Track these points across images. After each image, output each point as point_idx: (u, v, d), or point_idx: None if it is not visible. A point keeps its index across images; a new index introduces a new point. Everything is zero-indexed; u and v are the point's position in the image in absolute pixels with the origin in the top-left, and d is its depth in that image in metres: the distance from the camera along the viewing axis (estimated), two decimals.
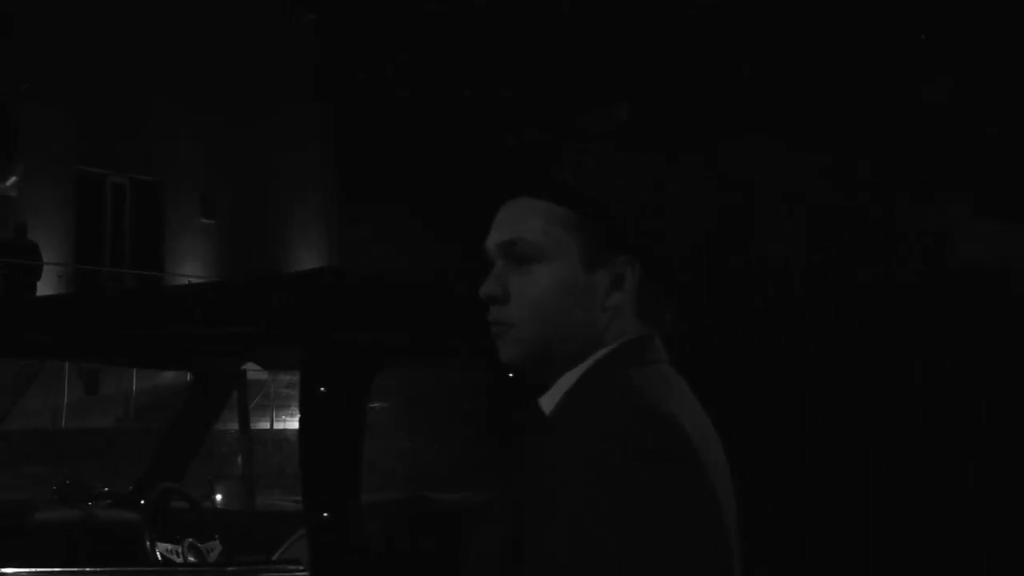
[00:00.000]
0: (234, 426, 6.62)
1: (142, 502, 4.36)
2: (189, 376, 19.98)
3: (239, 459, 5.50)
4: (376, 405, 18.01)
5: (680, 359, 1.83)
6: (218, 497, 4.97)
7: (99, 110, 21.30)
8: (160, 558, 4.09)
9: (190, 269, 22.28)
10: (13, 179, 20.44)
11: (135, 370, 19.64)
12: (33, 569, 3.56)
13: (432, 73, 23.45)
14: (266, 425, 17.89)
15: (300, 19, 23.77)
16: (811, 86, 26.55)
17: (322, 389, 3.08)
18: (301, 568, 3.28)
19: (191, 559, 4.19)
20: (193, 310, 3.47)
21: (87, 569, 3.67)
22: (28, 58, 20.60)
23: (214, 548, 4.37)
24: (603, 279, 1.78)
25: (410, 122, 22.33)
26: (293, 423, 18.56)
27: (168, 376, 20.33)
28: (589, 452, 1.62)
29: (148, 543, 4.10)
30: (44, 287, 20.14)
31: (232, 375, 4.86)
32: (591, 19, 25.30)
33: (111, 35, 21.28)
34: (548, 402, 1.80)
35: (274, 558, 3.81)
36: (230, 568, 3.97)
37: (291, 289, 3.36)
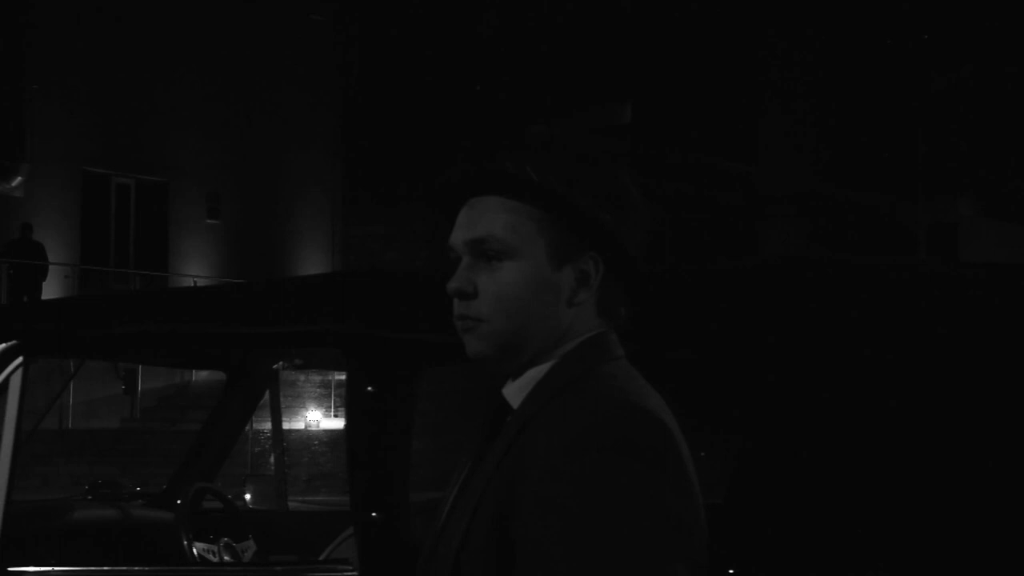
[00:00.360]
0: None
1: (178, 502, 4.35)
2: (194, 376, 19.93)
3: (271, 458, 5.46)
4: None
5: (635, 355, 1.86)
6: (247, 496, 4.96)
7: (104, 111, 21.30)
8: (198, 558, 4.09)
9: (195, 269, 22.27)
10: (19, 179, 20.45)
11: (140, 371, 19.65)
12: (73, 568, 3.55)
13: (443, 68, 23.46)
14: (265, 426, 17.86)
15: (307, 18, 23.75)
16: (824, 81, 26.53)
17: (369, 388, 3.04)
18: (350, 568, 3.23)
19: (227, 558, 4.19)
20: (241, 309, 3.46)
21: (128, 568, 3.66)
22: (35, 59, 20.60)
23: (248, 548, 4.37)
24: (569, 276, 1.81)
25: (419, 119, 22.33)
26: (295, 423, 18.56)
27: (172, 377, 20.33)
28: (577, 447, 1.64)
29: (186, 543, 4.09)
30: (50, 287, 20.15)
31: (265, 374, 4.85)
32: (596, 17, 25.29)
33: (117, 37, 21.28)
34: (515, 395, 1.82)
35: (321, 558, 3.80)
36: (278, 568, 3.96)
37: (338, 288, 3.35)
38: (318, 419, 18.56)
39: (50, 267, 20.10)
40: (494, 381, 1.88)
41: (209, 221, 22.81)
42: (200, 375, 20.53)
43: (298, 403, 18.98)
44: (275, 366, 4.81)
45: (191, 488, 4.41)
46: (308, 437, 18.06)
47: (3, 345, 3.53)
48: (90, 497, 4.80)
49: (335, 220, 24.15)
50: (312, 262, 23.94)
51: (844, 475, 2.66)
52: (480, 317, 1.80)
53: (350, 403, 3.16)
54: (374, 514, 2.98)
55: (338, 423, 18.66)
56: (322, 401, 18.80)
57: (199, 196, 22.67)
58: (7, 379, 3.53)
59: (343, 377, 14.35)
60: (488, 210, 1.82)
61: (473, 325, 1.81)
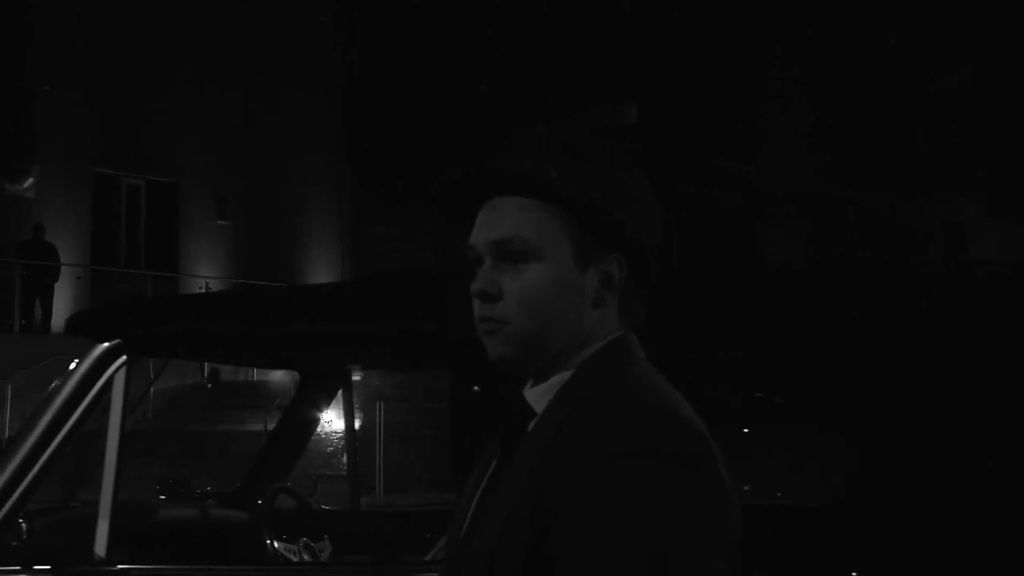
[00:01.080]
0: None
1: (258, 502, 4.37)
2: (206, 377, 19.92)
3: (343, 458, 5.48)
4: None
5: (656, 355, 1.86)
6: (317, 496, 4.99)
7: (114, 112, 21.32)
8: (280, 557, 4.11)
9: (205, 270, 22.29)
10: (30, 181, 20.47)
11: (152, 372, 19.63)
12: (182, 566, 3.58)
13: (448, 68, 23.49)
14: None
15: (315, 18, 23.78)
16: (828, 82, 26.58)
17: (475, 388, 3.07)
18: None
19: (307, 558, 4.21)
20: (346, 309, 3.49)
21: (217, 567, 3.69)
22: (45, 61, 20.61)
23: (325, 548, 4.40)
24: (593, 278, 1.80)
25: (424, 119, 22.37)
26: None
27: (184, 378, 20.36)
28: (613, 452, 1.63)
29: (268, 542, 4.12)
30: (62, 288, 20.18)
31: (339, 374, 4.89)
32: (597, 17, 25.34)
33: (126, 39, 21.30)
34: (538, 399, 1.80)
35: (427, 558, 3.82)
36: (383, 568, 3.95)
37: (440, 289, 3.37)
38: (331, 419, 18.57)
39: (62, 268, 20.13)
40: (513, 384, 1.86)
41: (219, 222, 22.83)
42: (213, 375, 20.57)
43: (285, 403, 19.00)
44: (350, 366, 4.84)
45: (269, 488, 4.43)
46: (322, 438, 18.07)
47: (106, 344, 3.54)
48: (163, 497, 4.82)
49: (343, 220, 24.17)
50: (321, 262, 23.98)
51: (966, 477, 2.69)
52: (505, 319, 1.78)
53: (456, 404, 3.16)
54: None
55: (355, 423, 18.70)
56: (335, 403, 18.79)
57: (208, 197, 22.71)
58: (111, 377, 3.54)
59: (357, 378, 14.31)
60: (512, 210, 1.80)
61: (497, 327, 1.79)
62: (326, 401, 4.95)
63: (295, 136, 23.44)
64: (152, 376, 12.65)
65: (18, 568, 3.35)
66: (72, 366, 3.54)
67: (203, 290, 21.55)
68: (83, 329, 3.67)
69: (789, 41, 26.78)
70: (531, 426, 1.79)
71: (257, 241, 23.06)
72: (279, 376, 21.54)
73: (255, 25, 22.90)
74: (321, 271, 23.89)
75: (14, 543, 3.50)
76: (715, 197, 25.79)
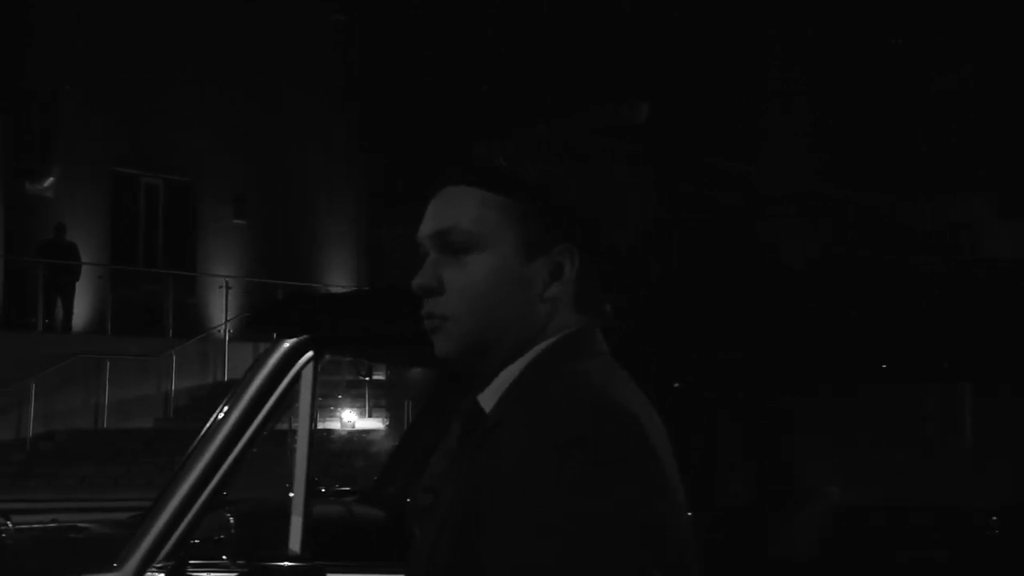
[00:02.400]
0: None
1: (407, 500, 4.38)
2: (227, 376, 19.95)
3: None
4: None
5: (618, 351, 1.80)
6: None
7: (133, 112, 21.43)
8: None
9: (222, 269, 22.42)
10: (50, 180, 20.58)
11: (174, 370, 19.81)
12: (357, 563, 3.61)
13: (448, 69, 23.62)
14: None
15: (329, 19, 23.88)
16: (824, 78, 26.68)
17: (675, 385, 3.03)
18: None
19: None
20: None
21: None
22: (65, 62, 20.72)
23: None
24: (541, 269, 1.71)
25: (433, 118, 22.48)
26: (330, 423, 18.73)
27: (204, 377, 20.49)
28: (548, 452, 1.56)
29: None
30: (83, 287, 20.31)
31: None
32: (596, 17, 25.44)
33: (145, 40, 21.40)
34: (489, 398, 1.72)
35: None
36: None
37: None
38: (353, 420, 18.73)
39: (83, 267, 20.27)
40: (472, 383, 1.78)
41: (236, 221, 22.95)
42: (233, 374, 20.71)
43: (331, 403, 19.14)
44: None
45: (408, 485, 4.45)
46: (343, 438, 18.25)
47: (294, 340, 3.52)
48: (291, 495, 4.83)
49: (360, 219, 24.31)
50: (337, 261, 24.10)
51: None
52: (447, 315, 1.71)
53: None
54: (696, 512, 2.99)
55: (373, 423, 18.83)
56: (356, 401, 18.98)
57: (225, 196, 22.83)
58: (298, 373, 3.54)
59: (380, 377, 14.54)
60: (454, 200, 1.73)
61: (440, 324, 1.72)
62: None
63: (312, 136, 23.56)
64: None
65: (225, 561, 3.41)
66: (259, 362, 3.55)
67: (223, 288, 21.70)
68: (269, 325, 3.66)
69: (789, 41, 26.90)
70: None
71: (273, 240, 23.19)
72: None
73: (272, 26, 23.01)
74: (337, 270, 24.03)
75: (221, 536, 3.55)
76: (715, 197, 25.87)
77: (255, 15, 22.74)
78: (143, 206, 22.08)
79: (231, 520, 3.55)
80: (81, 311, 20.38)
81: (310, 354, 3.50)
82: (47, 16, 20.60)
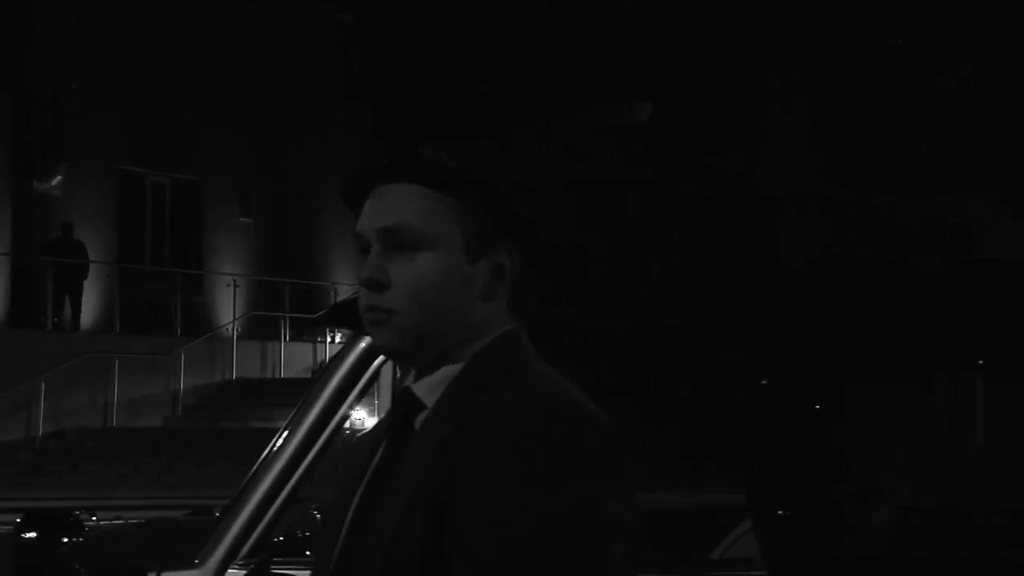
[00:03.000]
0: None
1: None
2: (235, 375, 19.92)
3: None
4: None
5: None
6: None
7: (139, 110, 21.45)
8: None
9: (228, 267, 22.44)
10: (57, 179, 20.59)
11: (182, 368, 19.84)
12: None
13: (455, 68, 23.64)
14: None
15: (335, 18, 23.89)
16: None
17: (763, 382, 2.97)
18: (760, 570, 3.06)
19: None
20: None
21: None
22: (72, 60, 20.73)
23: None
24: (483, 269, 1.75)
25: (439, 116, 22.50)
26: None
27: (212, 375, 20.51)
28: (519, 441, 1.60)
29: None
30: (91, 286, 20.33)
31: None
32: (596, 17, 25.47)
33: (152, 39, 21.42)
34: (428, 392, 1.75)
35: (715, 556, 3.77)
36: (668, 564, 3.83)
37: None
38: (363, 417, 18.72)
39: (91, 265, 20.29)
40: (401, 376, 1.83)
41: (242, 220, 22.97)
42: (241, 372, 20.75)
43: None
44: None
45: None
46: (353, 436, 18.22)
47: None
48: None
49: None
50: (342, 260, 24.12)
51: None
52: (393, 309, 1.72)
53: (746, 395, 3.05)
54: (780, 512, 2.90)
55: None
56: (366, 400, 18.95)
57: (233, 195, 22.85)
58: (378, 370, 3.52)
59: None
60: (401, 197, 1.75)
61: (384, 317, 1.73)
62: None
63: (317, 134, 23.58)
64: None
65: (310, 557, 3.37)
66: (338, 358, 3.51)
67: (230, 287, 21.73)
68: (347, 320, 3.58)
69: (789, 41, 26.93)
70: (420, 421, 1.75)
71: (279, 238, 23.22)
72: (303, 373, 21.70)
73: (279, 25, 23.03)
74: (343, 268, 24.04)
75: (307, 533, 3.55)
76: (715, 197, 25.94)
77: (261, 14, 22.76)
78: (150, 205, 22.09)
79: (316, 516, 3.55)
80: (88, 310, 20.39)
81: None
82: (53, 15, 20.61)
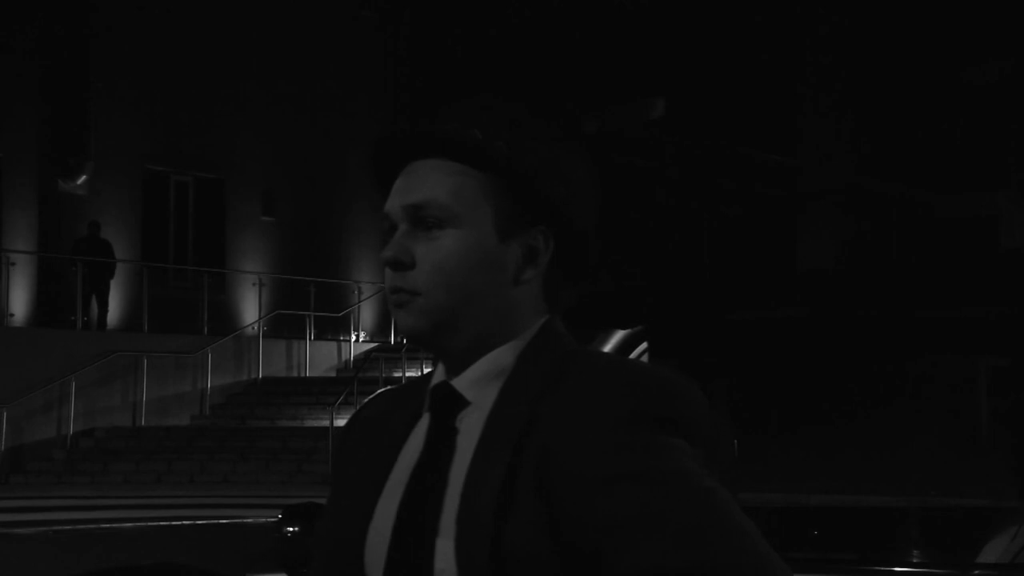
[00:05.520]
0: None
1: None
2: (261, 373, 19.97)
3: None
4: None
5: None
6: None
7: (163, 110, 21.52)
8: None
9: (251, 265, 22.50)
10: (83, 178, 20.64)
11: (209, 367, 19.89)
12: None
13: (481, 67, 23.71)
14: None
15: (361, 18, 23.94)
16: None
17: None
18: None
19: None
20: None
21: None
22: (98, 61, 20.80)
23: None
24: (516, 251, 1.63)
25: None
26: None
27: (239, 374, 20.55)
28: (628, 419, 1.51)
29: None
30: (117, 284, 20.39)
31: None
32: (627, 13, 25.52)
33: (176, 39, 21.49)
34: (472, 387, 1.63)
35: (979, 559, 3.70)
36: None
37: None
38: None
39: (118, 264, 20.35)
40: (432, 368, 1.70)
41: (264, 218, 23.01)
42: (267, 371, 20.81)
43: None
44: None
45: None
46: None
47: (629, 331, 3.31)
48: None
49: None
50: (365, 259, 24.18)
51: None
52: (417, 290, 1.61)
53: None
54: None
55: None
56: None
57: (255, 193, 22.90)
58: None
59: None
60: (430, 173, 1.63)
61: (408, 299, 1.61)
62: None
63: (339, 133, 23.63)
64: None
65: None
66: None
67: (255, 286, 21.79)
68: (602, 315, 3.40)
69: (825, 36, 26.96)
70: (462, 417, 1.62)
71: (301, 237, 23.28)
72: (327, 371, 21.76)
73: (301, 24, 23.10)
74: (364, 266, 24.10)
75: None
76: (755, 189, 25.99)
77: (287, 14, 22.82)
78: (173, 203, 22.14)
79: None
80: (115, 309, 20.45)
81: (644, 345, 3.31)
82: (79, 18, 20.68)
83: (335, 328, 22.45)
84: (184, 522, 7.66)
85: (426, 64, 24.85)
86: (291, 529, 3.53)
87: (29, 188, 20.44)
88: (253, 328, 21.41)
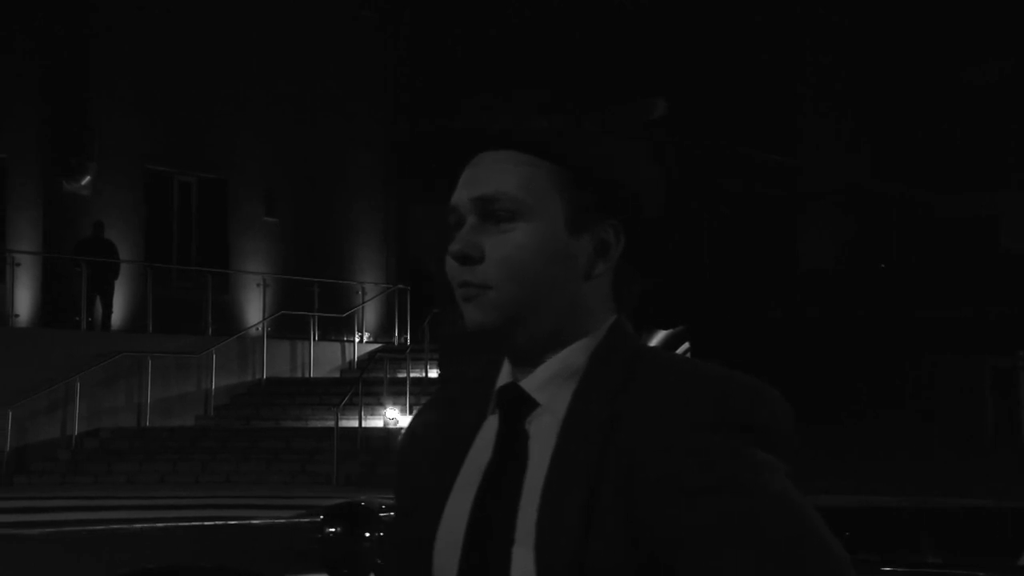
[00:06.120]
0: None
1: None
2: (265, 374, 20.04)
3: None
4: None
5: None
6: None
7: (166, 110, 21.55)
8: None
9: (254, 266, 22.54)
10: (87, 179, 20.68)
11: (214, 368, 19.95)
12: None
13: (482, 68, 23.74)
14: (354, 423, 18.17)
15: (362, 18, 23.98)
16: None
17: None
18: None
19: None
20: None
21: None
22: (100, 62, 20.84)
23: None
24: (587, 245, 1.59)
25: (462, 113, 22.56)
26: (374, 421, 18.87)
27: (244, 375, 20.60)
28: (714, 425, 1.47)
29: None
30: (121, 285, 20.43)
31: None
32: (627, 13, 25.56)
33: (178, 40, 21.52)
34: (542, 388, 1.59)
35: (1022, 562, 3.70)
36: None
37: None
38: (396, 416, 18.87)
39: (122, 265, 20.39)
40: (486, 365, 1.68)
41: (267, 219, 23.06)
42: (271, 372, 20.86)
43: (375, 401, 19.28)
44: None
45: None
46: (387, 435, 18.38)
47: (671, 330, 3.33)
48: None
49: (389, 217, 24.43)
50: (367, 260, 24.23)
51: None
52: (487, 283, 1.57)
53: None
54: None
55: None
56: (398, 399, 19.11)
57: (258, 194, 22.93)
58: None
59: (418, 375, 14.66)
60: (500, 164, 1.60)
61: (477, 293, 1.58)
62: None
63: (342, 134, 23.67)
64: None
65: None
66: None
67: (260, 286, 21.84)
68: (643, 315, 3.48)
69: (825, 38, 27.02)
70: (532, 420, 1.58)
71: (304, 237, 23.32)
72: (331, 372, 21.81)
73: (303, 24, 23.13)
74: (367, 267, 24.16)
75: None
76: (756, 189, 26.06)
77: (285, 13, 22.86)
78: (177, 204, 22.18)
79: None
80: (119, 309, 20.50)
81: (686, 345, 3.34)
82: (81, 19, 20.72)
83: (339, 329, 22.51)
84: (222, 522, 7.72)
85: (426, 64, 24.88)
86: (332, 530, 3.60)
87: (33, 189, 20.48)
88: (257, 329, 21.46)
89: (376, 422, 18.85)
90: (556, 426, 1.55)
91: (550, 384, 1.58)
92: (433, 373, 19.55)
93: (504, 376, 1.62)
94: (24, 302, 19.98)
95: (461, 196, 1.60)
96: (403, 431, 1.80)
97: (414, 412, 14.52)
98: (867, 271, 24.39)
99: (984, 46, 26.00)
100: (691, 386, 1.50)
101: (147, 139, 21.52)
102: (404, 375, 19.80)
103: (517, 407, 1.59)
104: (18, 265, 19.86)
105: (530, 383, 1.59)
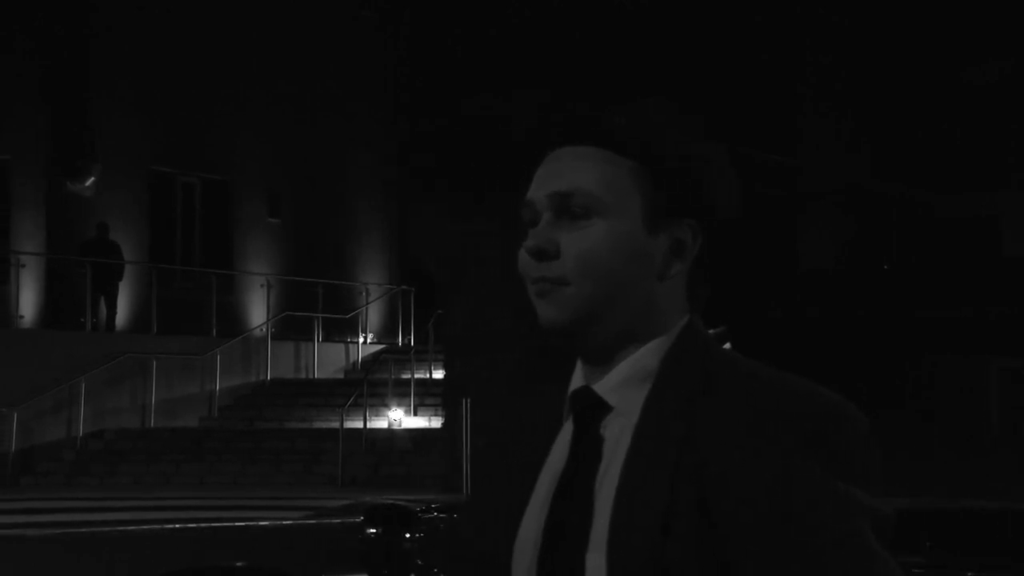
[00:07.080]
0: None
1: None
2: (269, 375, 20.12)
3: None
4: None
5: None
6: None
7: (169, 111, 21.58)
8: None
9: (258, 267, 22.60)
10: (91, 180, 20.71)
11: (218, 369, 20.00)
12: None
13: (487, 68, 23.76)
14: (359, 424, 18.23)
15: (365, 19, 24.01)
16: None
17: None
18: None
19: None
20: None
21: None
22: (102, 63, 20.87)
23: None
24: (663, 244, 1.58)
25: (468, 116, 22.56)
26: (378, 423, 18.93)
27: (248, 376, 20.66)
28: (785, 441, 1.45)
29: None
30: (125, 286, 20.48)
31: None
32: (627, 11, 25.56)
33: (181, 41, 21.54)
34: (615, 392, 1.58)
35: None
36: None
37: None
38: (399, 418, 18.93)
39: (126, 266, 20.44)
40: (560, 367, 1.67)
41: (269, 220, 23.11)
42: (275, 373, 20.92)
43: (380, 402, 19.33)
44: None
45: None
46: (392, 436, 18.45)
47: (710, 331, 3.37)
48: None
49: (392, 218, 24.48)
50: (371, 260, 24.28)
51: None
52: (564, 279, 1.56)
53: None
54: None
55: (420, 421, 19.01)
56: (403, 400, 19.17)
57: (261, 195, 22.99)
58: None
59: (422, 376, 14.75)
60: (579, 160, 1.59)
61: (552, 288, 1.56)
62: None
63: (345, 135, 23.72)
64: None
65: None
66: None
67: (264, 287, 21.89)
68: None
69: (825, 37, 27.06)
70: (606, 424, 1.57)
71: (307, 238, 23.37)
72: (335, 373, 21.86)
73: (306, 25, 23.17)
74: (371, 268, 24.22)
75: None
76: (756, 189, 26.15)
77: (285, 13, 22.89)
78: (180, 205, 22.23)
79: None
80: (124, 310, 20.56)
81: (727, 345, 3.44)
82: (83, 20, 20.76)
83: (343, 330, 22.56)
84: (260, 523, 7.77)
85: (426, 64, 24.90)
86: (373, 531, 3.65)
87: (36, 190, 20.52)
88: (261, 330, 21.51)
89: (381, 423, 18.92)
90: (630, 429, 1.54)
91: (623, 387, 1.57)
92: (438, 374, 19.61)
93: (577, 380, 1.62)
94: (28, 303, 20.03)
95: (537, 192, 1.60)
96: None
97: (416, 413, 14.52)
98: (867, 271, 24.49)
99: (984, 46, 26.06)
100: (776, 400, 1.48)
101: (148, 139, 21.55)
102: (408, 376, 19.88)
103: (591, 411, 1.58)
104: (22, 266, 19.90)
105: (603, 386, 1.58)
